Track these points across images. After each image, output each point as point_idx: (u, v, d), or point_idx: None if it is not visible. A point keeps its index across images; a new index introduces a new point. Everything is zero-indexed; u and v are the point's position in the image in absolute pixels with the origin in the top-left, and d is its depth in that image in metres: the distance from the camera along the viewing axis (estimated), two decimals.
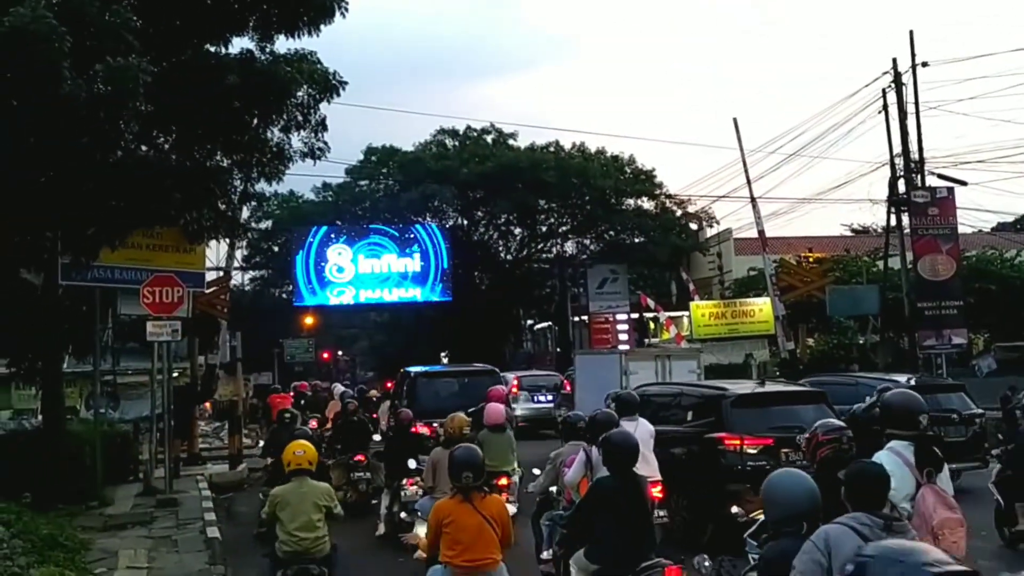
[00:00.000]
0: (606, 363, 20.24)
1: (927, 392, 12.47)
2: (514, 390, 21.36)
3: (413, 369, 16.68)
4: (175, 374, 17.48)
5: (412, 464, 10.13)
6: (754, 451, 9.55)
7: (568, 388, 22.65)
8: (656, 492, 8.00)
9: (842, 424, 5.90)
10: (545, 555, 7.79)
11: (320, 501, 6.98)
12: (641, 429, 8.72)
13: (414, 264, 38.08)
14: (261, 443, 17.21)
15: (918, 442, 5.39)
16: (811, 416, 6.63)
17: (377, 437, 13.52)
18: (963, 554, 5.02)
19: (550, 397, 23.83)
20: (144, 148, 13.05)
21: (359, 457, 12.82)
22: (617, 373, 18.32)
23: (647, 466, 8.06)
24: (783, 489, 4.04)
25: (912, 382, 13.60)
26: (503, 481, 9.72)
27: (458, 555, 5.70)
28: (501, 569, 5.88)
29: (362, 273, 37.74)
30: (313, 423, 16.61)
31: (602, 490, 6.09)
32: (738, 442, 9.67)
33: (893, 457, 5.26)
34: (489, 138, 41.05)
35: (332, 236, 37.89)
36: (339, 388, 20.37)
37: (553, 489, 8.37)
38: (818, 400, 10.51)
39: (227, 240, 19.14)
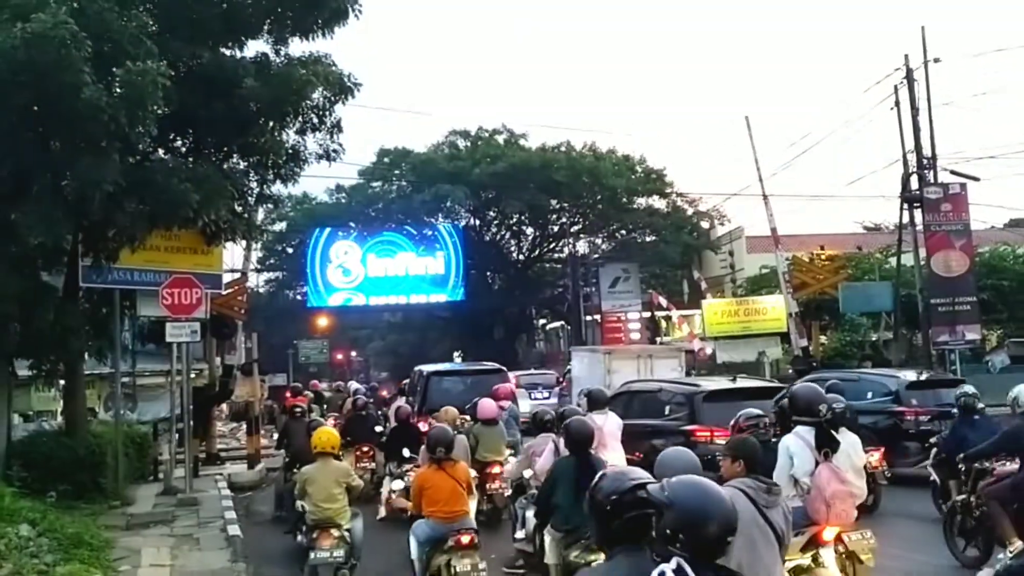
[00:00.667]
0: (596, 359, 21.64)
1: (930, 387, 13.60)
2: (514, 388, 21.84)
3: (425, 368, 17.49)
4: (192, 375, 17.64)
5: (406, 453, 10.91)
6: (723, 442, 9.88)
7: (565, 384, 23.71)
8: None
9: (760, 412, 6.92)
10: (519, 535, 8.79)
11: (340, 478, 8.18)
12: (610, 422, 9.57)
13: (436, 264, 38.23)
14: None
15: (818, 428, 6.39)
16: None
17: (379, 428, 14.05)
18: (851, 519, 6.29)
19: (547, 394, 25.03)
20: (162, 151, 13.23)
21: (365, 447, 13.54)
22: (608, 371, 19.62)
23: (615, 454, 9.02)
24: (671, 461, 4.48)
25: (922, 376, 14.46)
26: (495, 470, 10.44)
27: (437, 509, 7.36)
28: (469, 518, 7.61)
29: (373, 276, 37.91)
30: (331, 420, 16.80)
31: (561, 468, 6.98)
32: (708, 434, 10.67)
33: (797, 440, 6.39)
34: (501, 138, 41.19)
35: (340, 234, 38.08)
36: (354, 385, 21.24)
37: (528, 474, 9.10)
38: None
39: (243, 242, 19.27)
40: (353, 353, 65.91)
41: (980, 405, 9.72)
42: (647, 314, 39.64)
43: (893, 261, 26.03)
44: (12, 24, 9.60)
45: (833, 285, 25.01)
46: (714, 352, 33.22)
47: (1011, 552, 7.31)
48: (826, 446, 6.33)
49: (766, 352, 30.96)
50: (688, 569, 2.71)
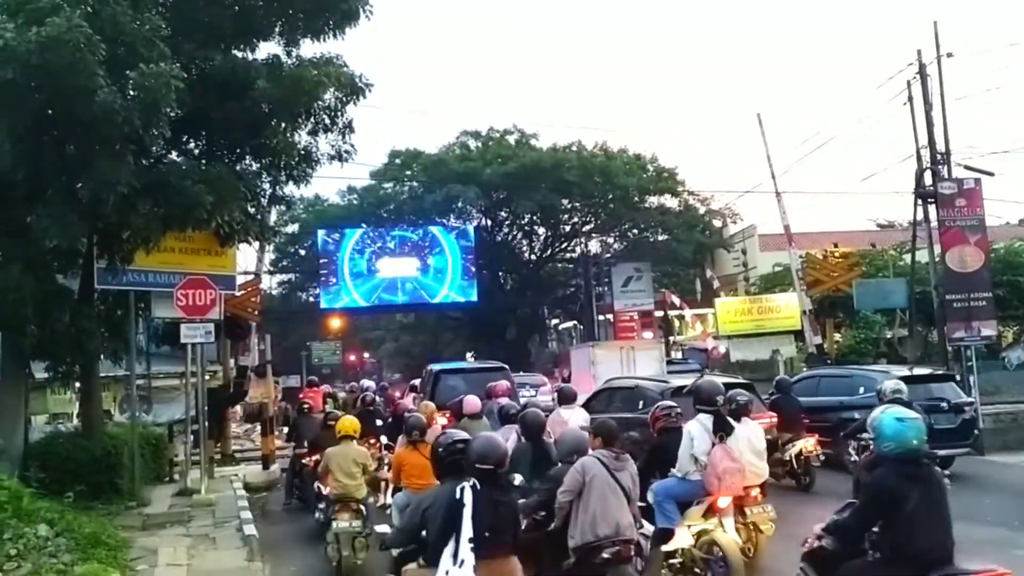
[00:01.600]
0: (586, 355, 24.33)
1: (919, 382, 14.11)
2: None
3: (435, 366, 18.88)
4: (207, 376, 17.71)
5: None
6: None
7: (561, 381, 24.69)
8: None
9: (673, 404, 8.89)
10: None
11: (359, 459, 9.35)
12: (575, 416, 10.82)
13: (435, 263, 38.32)
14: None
15: (716, 415, 7.85)
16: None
17: (379, 423, 14.57)
18: (739, 490, 7.62)
19: (533, 392, 25.26)
20: (175, 153, 13.29)
21: (372, 439, 13.68)
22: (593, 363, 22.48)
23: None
24: (567, 437, 7.02)
25: (911, 372, 15.20)
26: None
27: (411, 482, 8.70)
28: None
29: (383, 276, 38.00)
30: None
31: (520, 452, 7.99)
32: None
33: (698, 425, 7.88)
34: (512, 139, 41.21)
35: (354, 238, 38.20)
36: (366, 383, 21.93)
37: None
38: (747, 390, 12.10)
39: (256, 243, 19.34)
40: (366, 355, 66.05)
41: (907, 397, 10.44)
42: (660, 313, 39.57)
43: (907, 258, 25.88)
44: (27, 28, 9.64)
45: (847, 282, 24.90)
46: (728, 351, 33.20)
47: None
48: (721, 431, 7.78)
49: (780, 350, 30.91)
50: (478, 485, 5.07)
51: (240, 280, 19.08)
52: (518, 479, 7.71)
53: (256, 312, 22.01)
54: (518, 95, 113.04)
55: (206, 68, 12.54)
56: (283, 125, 13.16)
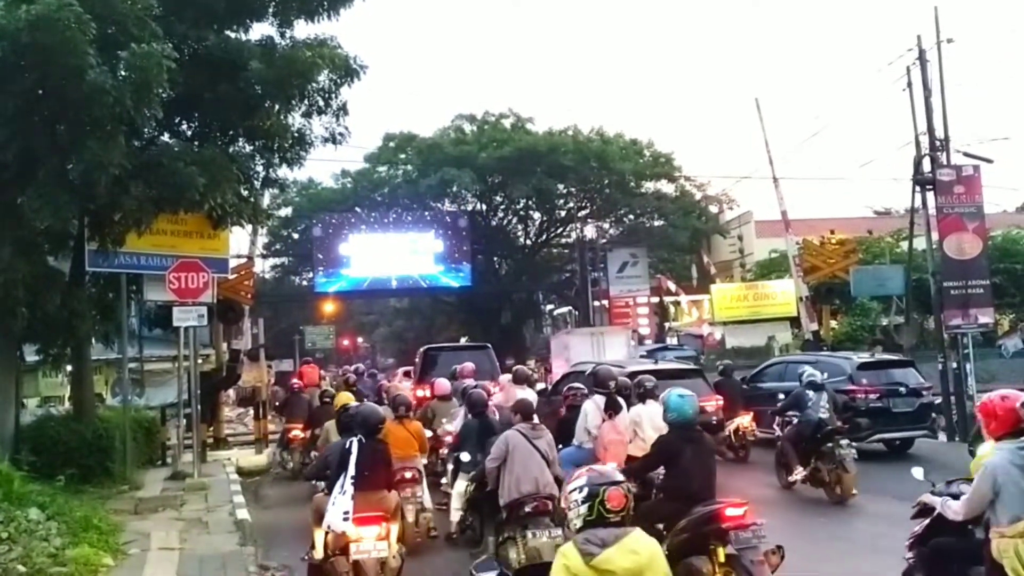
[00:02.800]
0: (562, 341, 26.86)
1: (881, 368, 15.34)
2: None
3: (429, 347, 21.45)
4: (199, 360, 17.63)
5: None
6: None
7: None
8: None
9: (580, 385, 10.59)
10: (444, 480, 10.79)
11: None
12: (527, 394, 11.56)
13: (430, 248, 38.21)
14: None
15: (607, 396, 9.46)
16: (687, 388, 8.27)
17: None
18: (621, 461, 8.63)
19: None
20: (167, 135, 13.15)
21: None
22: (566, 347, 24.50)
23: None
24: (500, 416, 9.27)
25: (873, 358, 16.45)
26: (448, 438, 11.33)
27: (395, 451, 8.60)
28: (416, 460, 9.91)
29: (376, 261, 37.87)
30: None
31: (467, 428, 9.75)
32: None
33: (593, 403, 9.56)
34: (507, 122, 40.93)
35: (346, 222, 38.07)
36: (361, 367, 23.68)
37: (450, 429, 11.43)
38: (695, 375, 14.51)
39: (249, 226, 19.23)
40: (359, 339, 66.02)
41: (820, 381, 12.32)
42: (655, 299, 39.53)
43: (904, 245, 25.85)
44: (17, 6, 9.53)
45: (844, 269, 24.89)
46: (723, 337, 33.21)
47: (797, 476, 11.68)
48: (611, 409, 9.34)
49: (776, 337, 30.94)
50: (363, 440, 7.25)
51: (233, 263, 18.98)
52: (465, 456, 9.39)
53: (249, 296, 21.92)
54: (513, 79, 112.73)
55: (198, 49, 12.43)
56: (276, 107, 13.02)
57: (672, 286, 40.22)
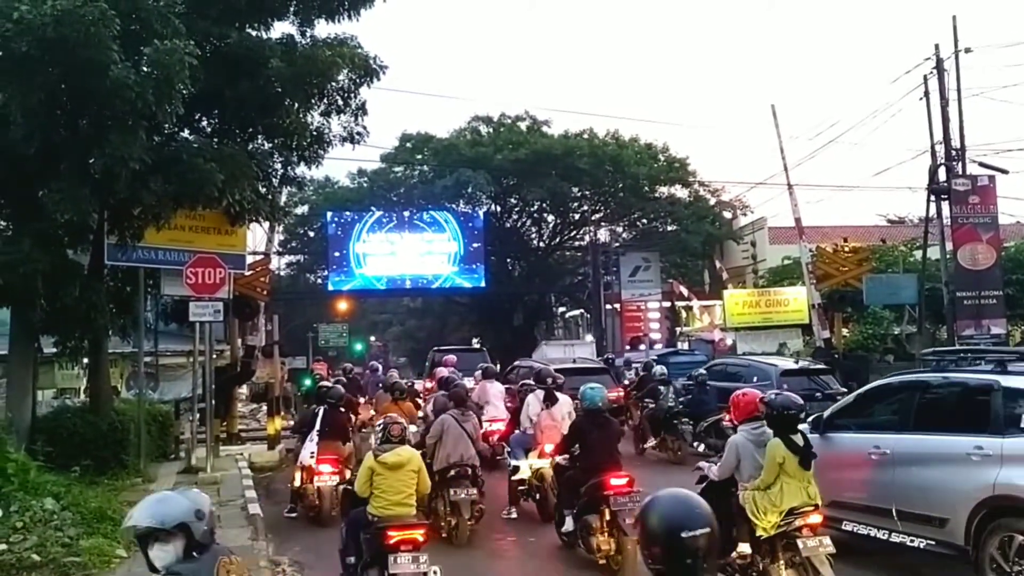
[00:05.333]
0: (541, 348, 33.35)
1: (804, 375, 16.54)
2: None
3: (437, 348, 25.95)
4: (214, 355, 17.74)
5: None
6: None
7: None
8: (501, 427, 13.61)
9: (529, 382, 13.07)
10: None
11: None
12: (494, 387, 14.99)
13: (444, 249, 38.29)
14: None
15: (546, 390, 11.31)
16: (599, 383, 10.98)
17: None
18: (555, 443, 9.90)
19: None
20: (187, 131, 13.26)
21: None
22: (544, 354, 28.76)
23: (497, 409, 14.34)
24: (438, 402, 11.04)
25: (797, 365, 17.66)
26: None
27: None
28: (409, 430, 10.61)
29: (391, 260, 37.99)
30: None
31: (442, 419, 10.62)
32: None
33: (534, 396, 11.52)
34: (523, 125, 40.98)
35: (364, 221, 38.18)
36: (374, 364, 23.54)
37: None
38: (603, 372, 19.21)
39: (267, 223, 19.34)
40: (372, 338, 66.12)
41: (708, 383, 15.95)
42: (667, 304, 39.44)
43: (918, 254, 25.73)
44: (42, 2, 9.62)
45: (857, 277, 24.73)
46: (735, 343, 33.07)
47: (649, 444, 16.07)
48: (548, 400, 11.11)
49: (787, 343, 30.78)
50: (328, 408, 11.66)
51: (249, 260, 19.09)
52: None
53: (265, 292, 22.02)
54: (530, 82, 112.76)
55: (220, 46, 12.51)
56: (296, 105, 13.13)
57: (684, 291, 40.08)
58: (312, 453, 11.01)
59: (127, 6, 10.39)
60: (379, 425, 7.55)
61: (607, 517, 8.20)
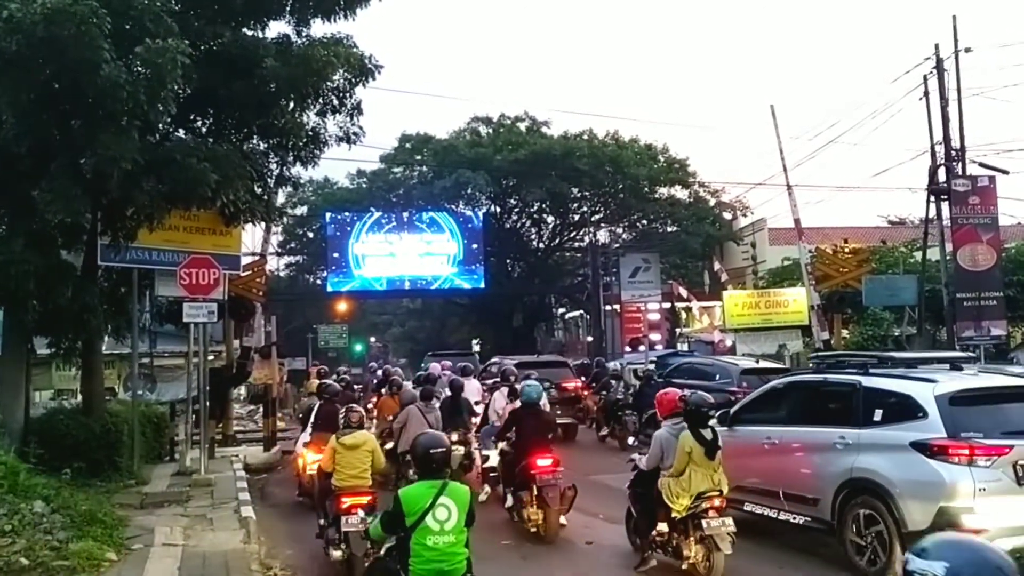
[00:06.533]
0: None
1: (762, 373, 16.56)
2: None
3: (433, 352, 28.06)
4: (210, 357, 17.66)
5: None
6: None
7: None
8: (475, 421, 14.12)
9: (498, 379, 15.23)
10: None
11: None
12: (472, 383, 16.47)
13: (443, 249, 38.19)
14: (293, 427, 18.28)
15: (510, 387, 12.90)
16: (557, 374, 15.89)
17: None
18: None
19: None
20: (181, 131, 13.18)
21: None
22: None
23: (476, 402, 15.28)
24: (405, 396, 13.55)
25: (756, 364, 18.88)
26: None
27: (385, 412, 13.96)
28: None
29: (390, 261, 37.89)
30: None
31: (444, 403, 13.21)
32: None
33: (499, 393, 13.33)
34: (523, 125, 40.94)
35: (362, 222, 38.09)
36: (373, 365, 25.25)
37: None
38: (563, 366, 22.16)
39: (263, 224, 19.24)
40: (372, 339, 66.05)
41: (655, 378, 17.50)
42: (667, 305, 39.32)
43: (918, 255, 25.64)
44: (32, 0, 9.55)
45: (856, 278, 24.65)
46: (734, 344, 32.97)
47: (604, 432, 18.35)
48: (512, 396, 12.22)
49: (787, 345, 30.66)
50: (323, 403, 12.42)
51: (245, 261, 19.01)
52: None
53: (261, 293, 21.93)
54: (529, 82, 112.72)
55: (214, 45, 12.44)
56: (291, 105, 13.06)
57: (684, 292, 39.95)
58: (305, 444, 12.08)
59: (119, 5, 10.29)
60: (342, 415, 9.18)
61: (535, 492, 9.85)
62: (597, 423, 19.01)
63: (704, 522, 7.72)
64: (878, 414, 8.05)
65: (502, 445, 11.09)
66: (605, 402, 18.77)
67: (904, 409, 7.88)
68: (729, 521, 7.80)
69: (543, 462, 9.86)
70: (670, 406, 8.53)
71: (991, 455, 7.29)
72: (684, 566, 7.94)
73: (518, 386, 12.20)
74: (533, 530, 9.94)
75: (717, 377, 17.38)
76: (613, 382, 18.88)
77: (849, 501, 8.06)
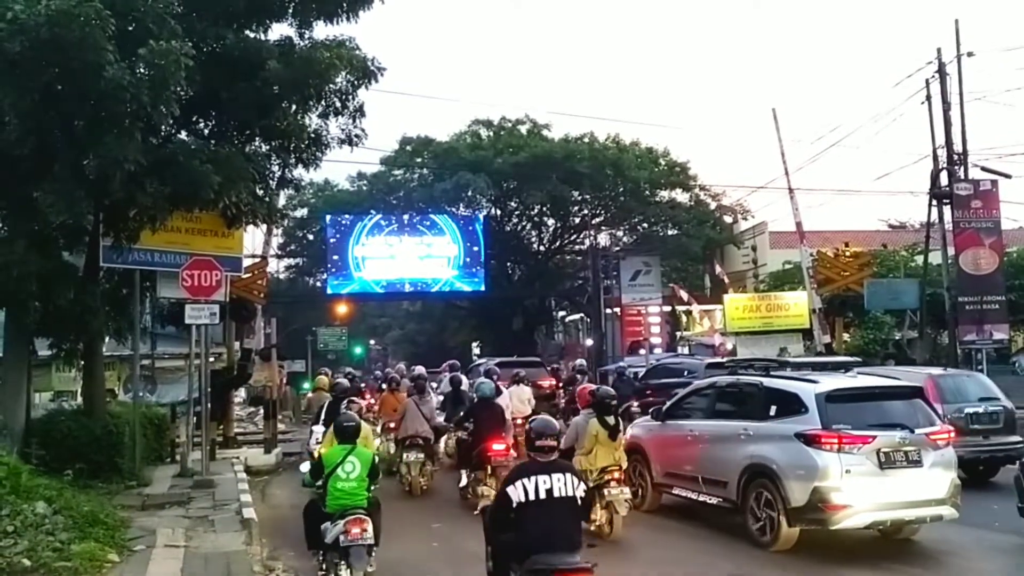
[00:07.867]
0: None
1: (723, 368, 17.16)
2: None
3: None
4: (211, 358, 17.64)
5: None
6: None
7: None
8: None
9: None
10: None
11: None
12: (522, 392, 17.03)
13: (443, 252, 38.14)
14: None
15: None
16: (534, 374, 16.80)
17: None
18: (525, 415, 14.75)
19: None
20: (184, 133, 13.18)
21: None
22: None
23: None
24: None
25: (722, 360, 18.72)
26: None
27: (386, 409, 15.59)
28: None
29: (390, 263, 37.82)
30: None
31: (446, 396, 15.15)
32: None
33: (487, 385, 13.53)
34: (523, 128, 40.90)
35: (363, 224, 38.04)
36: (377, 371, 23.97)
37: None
38: (539, 365, 23.96)
39: (264, 226, 19.24)
40: (372, 341, 65.98)
41: (630, 372, 19.84)
42: (667, 308, 39.30)
43: (919, 259, 25.67)
44: (37, 1, 9.55)
45: (858, 281, 24.67)
46: (735, 347, 32.96)
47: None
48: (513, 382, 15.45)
49: (788, 348, 30.65)
50: (333, 401, 12.80)
51: (247, 263, 19.00)
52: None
53: (262, 295, 21.94)
54: (530, 85, 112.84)
55: (217, 47, 12.44)
56: (293, 107, 13.08)
57: (685, 295, 39.94)
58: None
59: (123, 7, 10.32)
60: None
61: (490, 473, 11.35)
62: (564, 415, 19.72)
63: (606, 491, 9.59)
64: (773, 409, 9.46)
65: (460, 433, 12.99)
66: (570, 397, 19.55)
67: (792, 405, 9.30)
68: (626, 490, 9.83)
69: (498, 447, 11.61)
70: (587, 399, 10.72)
71: (857, 443, 8.69)
72: (592, 528, 9.20)
73: (519, 387, 14.80)
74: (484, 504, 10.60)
75: (685, 373, 18.51)
76: (579, 377, 18.89)
77: (750, 483, 9.44)
